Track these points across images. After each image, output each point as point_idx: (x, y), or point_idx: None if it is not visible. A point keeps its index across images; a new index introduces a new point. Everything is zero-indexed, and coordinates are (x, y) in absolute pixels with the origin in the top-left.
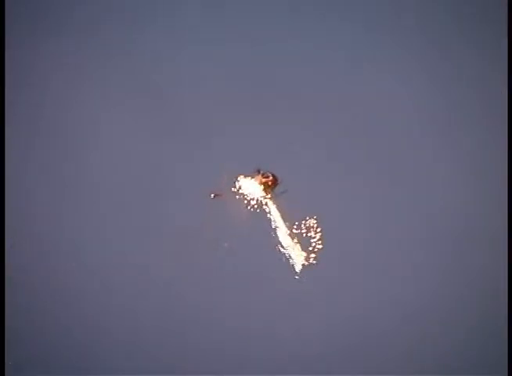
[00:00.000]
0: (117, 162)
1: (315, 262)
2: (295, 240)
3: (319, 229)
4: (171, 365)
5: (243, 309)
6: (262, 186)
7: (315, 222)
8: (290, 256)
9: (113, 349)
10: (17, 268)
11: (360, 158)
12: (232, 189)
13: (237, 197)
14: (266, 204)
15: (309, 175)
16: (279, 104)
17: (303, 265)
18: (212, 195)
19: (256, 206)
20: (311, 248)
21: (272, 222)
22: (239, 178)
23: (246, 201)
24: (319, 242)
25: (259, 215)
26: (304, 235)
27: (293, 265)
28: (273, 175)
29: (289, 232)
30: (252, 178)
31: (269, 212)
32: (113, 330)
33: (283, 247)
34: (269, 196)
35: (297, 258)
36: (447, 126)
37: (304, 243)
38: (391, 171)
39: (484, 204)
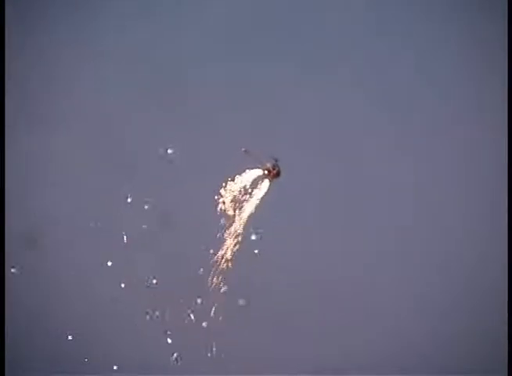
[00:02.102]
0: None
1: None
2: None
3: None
4: (171, 364)
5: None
6: (265, 171)
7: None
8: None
9: (114, 349)
10: (17, 268)
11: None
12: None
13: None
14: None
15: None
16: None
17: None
18: (244, 149)
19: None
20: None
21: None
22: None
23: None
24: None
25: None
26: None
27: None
28: (278, 172)
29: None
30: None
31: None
32: (114, 329)
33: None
34: (263, 181)
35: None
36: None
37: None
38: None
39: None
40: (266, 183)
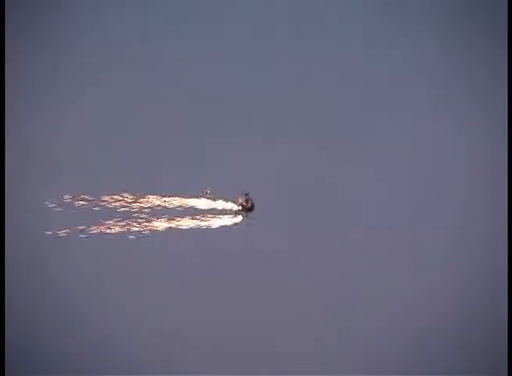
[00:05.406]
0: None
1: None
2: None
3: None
4: (170, 365)
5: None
6: (240, 207)
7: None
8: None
9: (113, 349)
10: (17, 269)
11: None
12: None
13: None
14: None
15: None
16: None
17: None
18: (208, 190)
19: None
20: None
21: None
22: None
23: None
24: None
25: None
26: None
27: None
28: (252, 205)
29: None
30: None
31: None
32: (113, 330)
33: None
34: (240, 213)
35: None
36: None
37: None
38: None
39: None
40: (239, 218)
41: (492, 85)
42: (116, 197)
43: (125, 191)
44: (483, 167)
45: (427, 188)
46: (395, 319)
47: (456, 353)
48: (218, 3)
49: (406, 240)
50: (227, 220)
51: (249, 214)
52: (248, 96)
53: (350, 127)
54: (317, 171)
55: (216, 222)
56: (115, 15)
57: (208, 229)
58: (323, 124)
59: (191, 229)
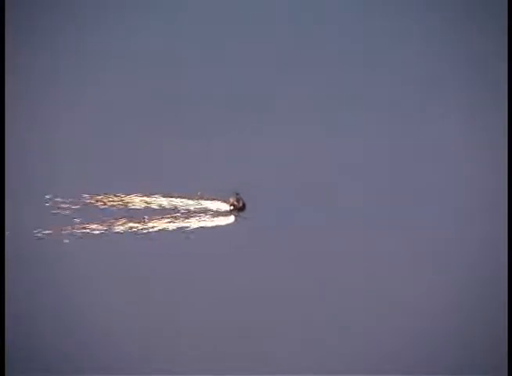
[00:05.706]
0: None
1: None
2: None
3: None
4: (171, 365)
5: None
6: (231, 207)
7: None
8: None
9: (113, 349)
10: (17, 269)
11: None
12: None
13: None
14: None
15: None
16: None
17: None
18: (199, 193)
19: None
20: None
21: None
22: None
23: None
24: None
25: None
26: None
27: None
28: (243, 204)
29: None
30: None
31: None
32: (113, 330)
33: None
34: (232, 213)
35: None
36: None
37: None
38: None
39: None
40: (231, 218)
41: (492, 86)
42: (126, 197)
43: (135, 192)
44: (484, 166)
45: (427, 188)
46: (395, 319)
47: (456, 353)
48: (219, 3)
49: (406, 239)
50: (169, 223)
51: (240, 213)
52: (248, 96)
53: (349, 127)
54: (317, 171)
55: (157, 225)
56: (115, 15)
57: (209, 229)
58: (324, 123)
59: (192, 229)
